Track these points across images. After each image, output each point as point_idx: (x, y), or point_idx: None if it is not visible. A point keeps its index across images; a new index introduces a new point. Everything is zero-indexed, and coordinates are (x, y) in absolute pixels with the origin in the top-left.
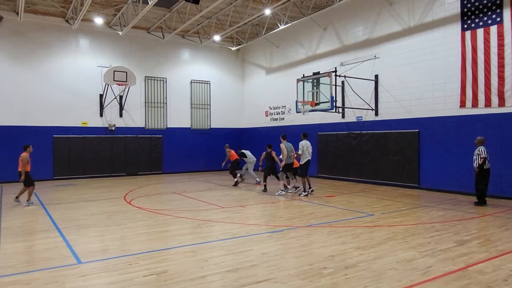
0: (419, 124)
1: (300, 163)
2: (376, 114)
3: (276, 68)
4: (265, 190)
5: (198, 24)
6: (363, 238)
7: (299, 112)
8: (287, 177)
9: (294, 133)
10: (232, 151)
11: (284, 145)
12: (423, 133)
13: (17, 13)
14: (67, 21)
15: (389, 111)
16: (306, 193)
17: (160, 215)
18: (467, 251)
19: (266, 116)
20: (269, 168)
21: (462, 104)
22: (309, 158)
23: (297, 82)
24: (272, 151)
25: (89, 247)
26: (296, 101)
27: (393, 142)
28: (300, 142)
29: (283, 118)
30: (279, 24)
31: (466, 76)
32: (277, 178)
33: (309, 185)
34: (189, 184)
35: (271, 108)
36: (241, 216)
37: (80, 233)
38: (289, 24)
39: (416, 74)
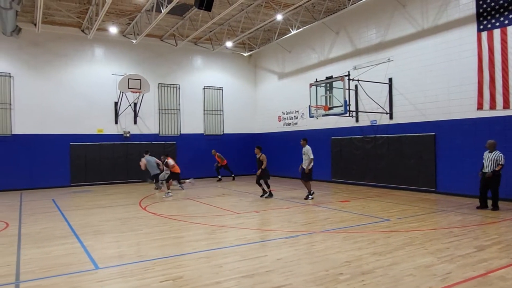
0: (435, 127)
1: (308, 168)
2: (391, 117)
3: (288, 73)
4: (267, 194)
5: (210, 31)
6: (379, 244)
7: (312, 116)
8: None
9: (308, 138)
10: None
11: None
12: (439, 136)
13: (35, 24)
14: (82, 31)
15: (404, 114)
16: (312, 197)
17: (174, 221)
18: (487, 257)
19: (279, 121)
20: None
21: (480, 106)
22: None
23: (310, 87)
24: (263, 154)
25: (106, 252)
26: (309, 106)
27: (409, 145)
28: (308, 147)
29: (296, 123)
30: (291, 29)
31: (483, 77)
32: (264, 183)
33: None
34: (203, 189)
35: (284, 113)
36: (256, 222)
37: (97, 239)
38: (301, 29)
39: (431, 76)
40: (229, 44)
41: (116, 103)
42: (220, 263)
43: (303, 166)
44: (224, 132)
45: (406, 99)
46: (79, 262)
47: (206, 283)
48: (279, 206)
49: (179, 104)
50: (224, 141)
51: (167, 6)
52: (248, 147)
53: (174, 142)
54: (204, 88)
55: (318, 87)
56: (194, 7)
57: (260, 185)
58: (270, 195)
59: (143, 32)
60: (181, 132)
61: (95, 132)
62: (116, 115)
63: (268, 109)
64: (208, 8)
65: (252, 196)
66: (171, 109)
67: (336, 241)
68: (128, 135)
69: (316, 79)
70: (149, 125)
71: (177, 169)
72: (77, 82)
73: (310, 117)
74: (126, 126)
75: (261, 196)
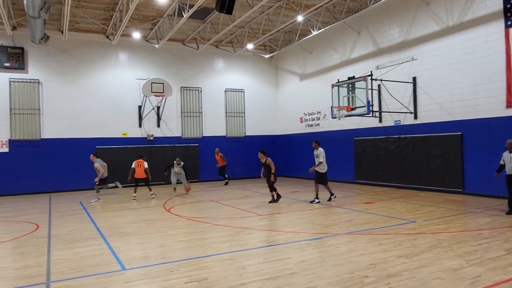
0: (462, 127)
1: (322, 171)
2: (415, 117)
3: (309, 74)
4: (275, 198)
5: (231, 34)
6: (405, 246)
7: (335, 117)
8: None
9: (331, 139)
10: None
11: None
12: (466, 135)
13: (62, 32)
14: (107, 37)
15: (429, 113)
16: (318, 201)
17: (198, 223)
18: None
19: (301, 122)
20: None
21: (509, 105)
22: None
23: (332, 88)
24: (268, 158)
25: (132, 254)
26: (331, 107)
27: (434, 145)
28: (321, 150)
29: (319, 124)
30: (312, 30)
31: (511, 74)
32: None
33: (317, 194)
34: (226, 192)
35: (305, 114)
36: (279, 224)
37: (123, 240)
38: (322, 29)
39: (456, 74)
40: (250, 46)
41: (140, 107)
42: (244, 265)
43: (316, 169)
44: (246, 134)
45: (431, 98)
46: (107, 263)
47: (230, 284)
48: (302, 208)
49: (201, 107)
50: (246, 143)
51: (188, 11)
52: (270, 149)
53: (197, 144)
54: (225, 91)
55: (340, 88)
56: (215, 10)
57: (273, 190)
58: (275, 199)
59: (165, 37)
60: (204, 135)
61: (120, 135)
62: (140, 118)
63: (290, 111)
64: (229, 11)
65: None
66: (193, 112)
67: (360, 243)
68: (151, 138)
69: (338, 80)
70: (172, 128)
71: (139, 174)
72: (102, 87)
73: (333, 118)
74: (150, 129)
75: (270, 202)
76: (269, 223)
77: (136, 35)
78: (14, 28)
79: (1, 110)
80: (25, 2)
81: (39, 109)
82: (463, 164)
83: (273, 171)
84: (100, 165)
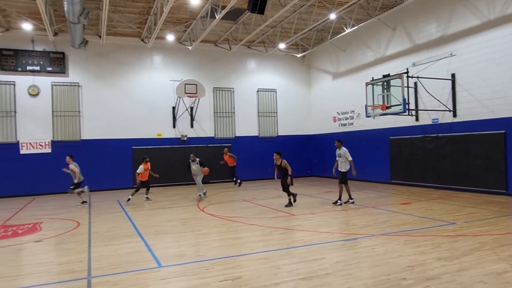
0: (505, 125)
1: (343, 170)
2: (454, 115)
3: (343, 73)
4: (293, 201)
5: (263, 34)
6: (444, 248)
7: (369, 116)
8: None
9: (365, 139)
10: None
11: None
12: (510, 134)
13: (100, 36)
14: (142, 40)
15: (469, 111)
16: (341, 202)
17: (232, 222)
18: None
19: (334, 121)
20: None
21: None
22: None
23: (366, 86)
24: (284, 160)
25: (168, 252)
26: (366, 105)
27: (475, 144)
28: (345, 149)
29: (352, 123)
30: (345, 28)
31: None
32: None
33: (340, 195)
34: (259, 191)
35: (339, 114)
36: (312, 224)
37: (159, 238)
38: (356, 27)
39: (499, 70)
40: (282, 46)
41: (174, 108)
42: (278, 264)
43: (339, 169)
44: (279, 134)
45: (471, 95)
46: (144, 260)
47: (264, 284)
48: (335, 208)
49: (234, 107)
50: (278, 142)
51: (221, 12)
52: (303, 148)
53: (230, 144)
54: (258, 91)
55: (374, 86)
56: (247, 11)
57: (290, 193)
58: (292, 203)
59: (198, 38)
60: (236, 135)
61: (155, 136)
62: (174, 119)
63: (323, 110)
64: (261, 11)
65: (307, 198)
66: (226, 112)
67: (397, 245)
68: (185, 138)
69: (373, 78)
70: (205, 128)
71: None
72: (138, 89)
73: (367, 117)
74: (184, 129)
75: (287, 206)
76: (302, 223)
77: (170, 37)
78: (55, 34)
79: (44, 113)
80: (65, 8)
81: (79, 111)
82: (507, 164)
83: (289, 173)
84: (75, 167)
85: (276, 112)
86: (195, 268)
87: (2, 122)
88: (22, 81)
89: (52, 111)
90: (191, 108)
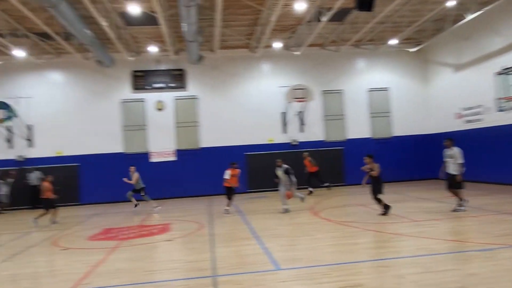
0: None
1: (455, 173)
2: None
3: (466, 64)
4: (385, 212)
5: (372, 31)
6: None
7: (503, 110)
8: None
9: (497, 136)
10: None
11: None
12: None
13: (213, 51)
14: (251, 50)
15: None
16: (465, 208)
17: (347, 227)
18: None
19: (458, 118)
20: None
21: None
22: None
23: (496, 76)
24: (375, 164)
25: (285, 255)
26: (497, 98)
27: None
28: (457, 149)
29: (480, 119)
30: (467, 14)
31: None
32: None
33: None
34: None
35: (463, 110)
36: (438, 231)
37: (275, 241)
38: (480, 11)
39: None
40: (393, 41)
41: (283, 114)
42: (401, 273)
43: (449, 171)
44: (394, 135)
45: None
46: (262, 262)
47: None
48: (464, 215)
49: (343, 109)
50: (393, 143)
51: (326, 14)
52: (421, 149)
53: (342, 147)
54: (368, 91)
55: (506, 76)
56: (354, 10)
57: (378, 201)
58: (385, 211)
59: (304, 43)
60: (348, 137)
61: (266, 141)
62: (284, 124)
63: (443, 106)
64: (369, 8)
65: (431, 202)
66: (335, 115)
67: None
68: (296, 143)
69: (504, 67)
70: (315, 132)
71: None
72: (248, 97)
73: (499, 111)
74: (294, 134)
75: (382, 214)
76: (425, 229)
77: (277, 45)
78: (176, 53)
79: (169, 124)
80: (184, 29)
81: (198, 122)
82: None
83: (374, 174)
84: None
85: (390, 112)
86: (312, 273)
87: (136, 135)
88: (150, 98)
89: (176, 123)
90: (301, 113)
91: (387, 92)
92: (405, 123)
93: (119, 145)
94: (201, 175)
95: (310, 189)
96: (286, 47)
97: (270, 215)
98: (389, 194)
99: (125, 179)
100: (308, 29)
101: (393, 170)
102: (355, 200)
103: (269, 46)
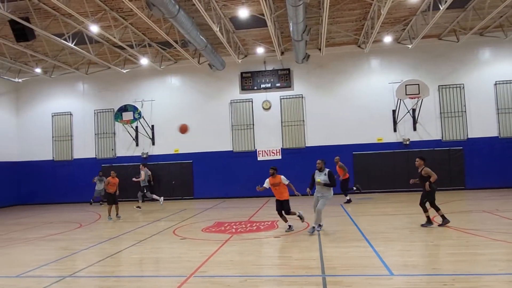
0: None
1: None
2: None
3: None
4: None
5: (501, 16)
6: None
7: None
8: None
9: None
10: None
11: None
12: None
13: (319, 49)
14: (359, 46)
15: None
16: None
17: (470, 235)
18: None
19: None
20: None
21: None
22: None
23: None
24: (426, 168)
25: (399, 260)
26: None
27: None
28: None
29: None
30: None
31: None
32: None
33: None
34: (502, 201)
35: None
36: None
37: (387, 245)
38: None
39: None
40: None
41: (394, 111)
42: None
43: None
44: None
45: None
46: (373, 266)
47: None
48: None
49: (464, 105)
50: None
51: (446, 2)
52: None
53: (461, 148)
54: (495, 84)
55: None
56: None
57: (425, 209)
58: (428, 223)
59: (419, 35)
60: (469, 136)
61: (375, 141)
62: (395, 123)
63: None
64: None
65: None
66: (454, 112)
67: None
68: (407, 142)
69: None
70: (429, 130)
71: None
72: (356, 95)
73: None
74: (405, 133)
75: (423, 225)
76: None
77: (388, 39)
78: (282, 53)
79: (275, 124)
80: (291, 29)
81: (303, 120)
82: None
83: (432, 180)
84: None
85: None
86: (430, 281)
87: (244, 134)
88: (257, 98)
89: (281, 122)
90: (413, 110)
91: None
92: None
93: (228, 144)
94: (306, 174)
95: (348, 197)
96: (397, 40)
97: (379, 218)
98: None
99: (134, 179)
100: (423, 20)
101: None
102: (480, 206)
103: (379, 41)
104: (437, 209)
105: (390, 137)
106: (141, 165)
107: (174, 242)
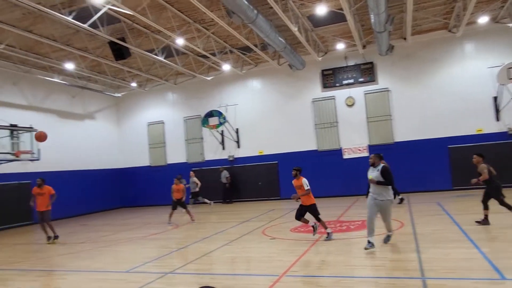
0: None
1: None
2: None
3: None
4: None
5: None
6: None
7: None
8: None
9: None
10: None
11: None
12: None
13: (405, 38)
14: (449, 30)
15: None
16: None
17: None
18: None
19: None
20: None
21: None
22: None
23: None
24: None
25: (509, 263)
26: None
27: None
28: None
29: None
30: None
31: None
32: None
33: None
34: None
35: None
36: None
37: (494, 246)
38: None
39: None
40: None
41: (495, 98)
42: None
43: None
44: None
45: None
46: (481, 269)
47: None
48: None
49: None
50: None
51: None
52: None
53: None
54: None
55: None
56: None
57: (486, 206)
58: (485, 221)
59: None
60: None
61: (473, 132)
62: (497, 111)
63: None
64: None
65: None
66: None
67: None
68: None
69: None
70: None
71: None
72: (449, 84)
73: None
74: (510, 122)
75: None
76: None
77: (483, 19)
78: (364, 47)
79: (360, 120)
80: (372, 21)
81: (390, 115)
82: None
83: (481, 178)
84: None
85: None
86: None
87: (328, 132)
88: (340, 95)
89: (367, 118)
90: None
91: None
92: None
93: (313, 143)
94: (396, 171)
95: (400, 196)
96: (495, 19)
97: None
98: None
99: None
100: None
101: None
102: None
103: (473, 23)
104: (486, 208)
105: (492, 127)
106: (191, 173)
107: (263, 242)
